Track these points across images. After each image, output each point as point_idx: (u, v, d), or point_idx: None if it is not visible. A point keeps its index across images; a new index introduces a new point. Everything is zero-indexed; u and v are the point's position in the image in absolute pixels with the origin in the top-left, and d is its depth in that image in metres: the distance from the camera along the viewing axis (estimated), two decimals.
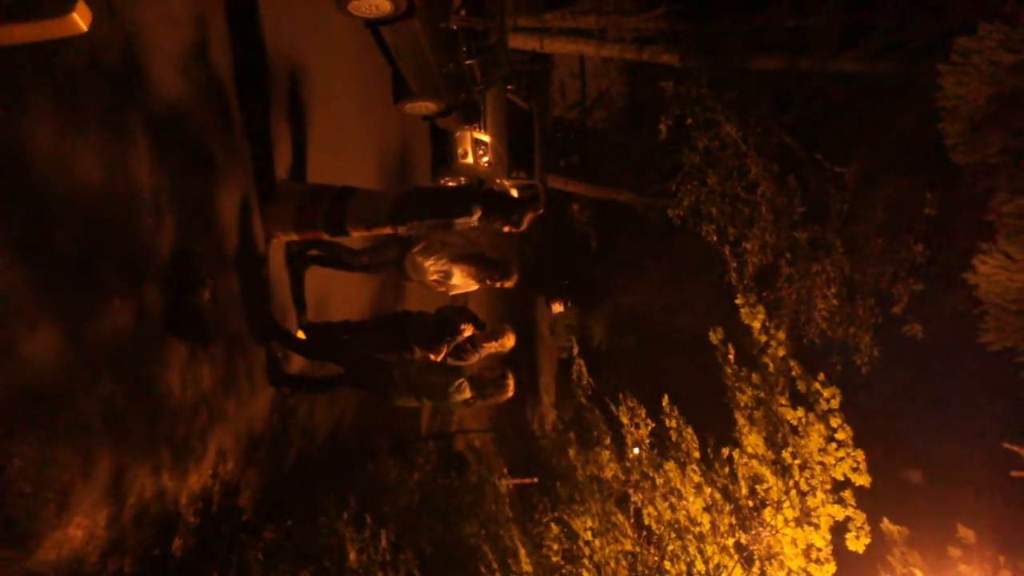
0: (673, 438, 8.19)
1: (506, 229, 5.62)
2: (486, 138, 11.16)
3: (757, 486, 7.08)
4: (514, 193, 12.66)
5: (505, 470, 12.21)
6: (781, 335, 6.92)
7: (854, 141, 11.82)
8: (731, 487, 7.58)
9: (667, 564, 6.59)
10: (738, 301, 7.31)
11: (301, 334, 6.20)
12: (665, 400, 8.45)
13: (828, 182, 11.42)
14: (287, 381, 6.01)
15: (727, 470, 7.93)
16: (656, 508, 9.54)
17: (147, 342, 3.98)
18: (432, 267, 6.10)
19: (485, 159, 11.29)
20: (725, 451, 8.49)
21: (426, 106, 9.58)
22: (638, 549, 7.05)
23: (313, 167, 6.48)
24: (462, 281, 6.13)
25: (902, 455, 11.43)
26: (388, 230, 5.40)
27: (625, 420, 9.19)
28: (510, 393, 5.83)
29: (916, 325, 11.60)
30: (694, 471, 7.74)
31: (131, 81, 3.85)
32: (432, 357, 5.93)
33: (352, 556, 5.06)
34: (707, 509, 7.49)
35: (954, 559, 8.97)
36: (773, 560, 6.50)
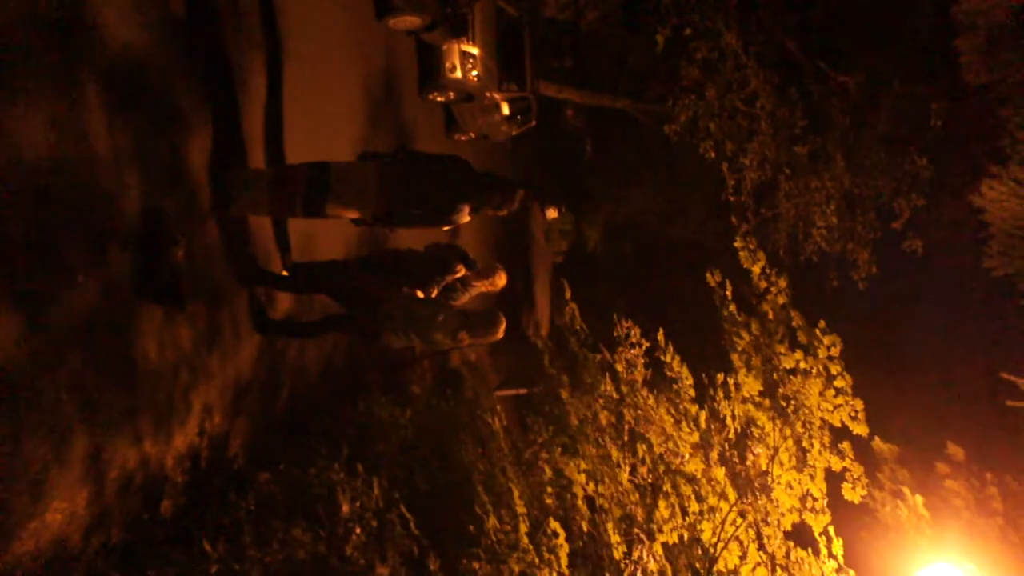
0: (668, 375, 8.12)
1: (500, 214, 5.30)
2: (475, 51, 10.62)
3: (753, 428, 7.06)
4: (505, 110, 12.18)
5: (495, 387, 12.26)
6: (783, 282, 6.72)
7: (859, 49, 11.28)
8: (728, 423, 7.56)
9: (661, 504, 6.63)
10: (737, 244, 7.07)
11: (284, 272, 6.00)
12: (660, 334, 8.33)
13: (831, 92, 10.96)
14: (273, 327, 5.85)
15: (722, 405, 7.90)
16: (650, 437, 9.57)
17: (118, 313, 3.79)
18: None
19: (474, 73, 10.78)
20: (720, 377, 8.46)
21: (411, 20, 9.05)
22: (631, 488, 7.08)
23: (291, 101, 6.11)
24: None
25: (896, 370, 11.50)
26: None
27: (619, 356, 9.11)
28: (500, 334, 5.69)
29: (916, 241, 11.42)
30: (687, 414, 7.71)
31: (77, 31, 3.50)
32: (421, 296, 5.75)
33: (345, 508, 5.03)
34: (700, 446, 7.51)
35: (941, 475, 9.13)
36: (767, 505, 6.53)
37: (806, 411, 6.54)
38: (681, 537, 6.53)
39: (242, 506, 4.65)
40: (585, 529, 6.03)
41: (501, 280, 6.07)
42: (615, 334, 11.36)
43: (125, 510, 4.02)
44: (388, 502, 5.51)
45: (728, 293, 7.36)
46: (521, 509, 5.77)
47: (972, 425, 9.07)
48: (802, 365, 6.63)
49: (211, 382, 4.99)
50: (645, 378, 10.67)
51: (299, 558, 4.70)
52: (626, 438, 10.31)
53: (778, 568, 6.85)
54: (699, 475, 7.60)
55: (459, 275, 5.84)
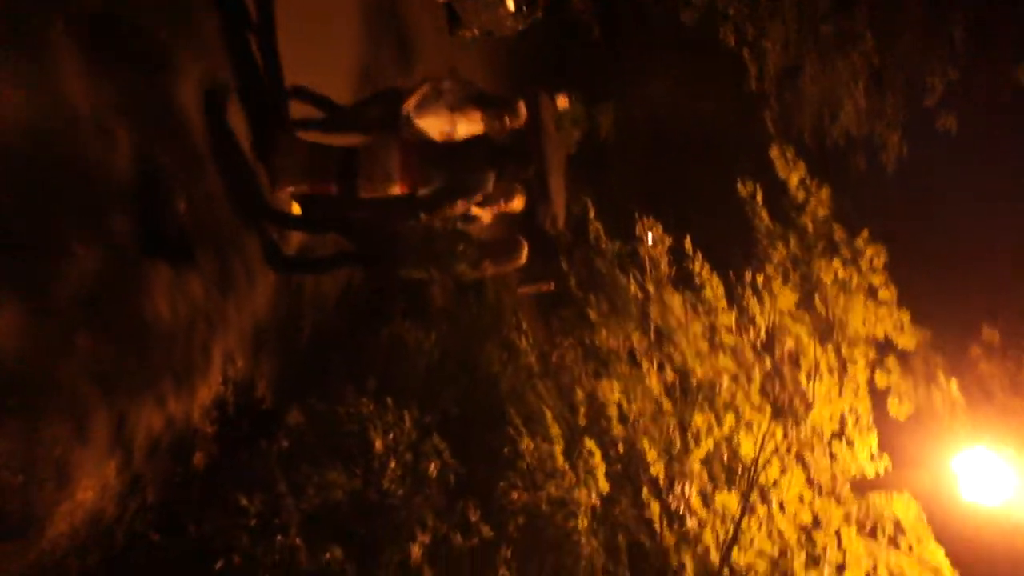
0: (696, 283, 7.90)
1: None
2: None
3: (788, 339, 6.85)
4: (510, 3, 11.48)
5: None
6: (824, 193, 6.34)
7: None
8: (759, 321, 7.36)
9: (697, 416, 6.52)
10: (772, 153, 6.66)
11: (297, 208, 5.78)
12: (687, 242, 8.07)
13: None
14: (288, 264, 5.68)
15: (751, 304, 7.69)
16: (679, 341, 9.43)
17: (123, 279, 3.61)
18: (433, 126, 5.56)
19: None
20: (748, 275, 8.24)
21: None
22: (663, 396, 6.99)
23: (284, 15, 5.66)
24: (469, 130, 5.65)
25: (928, 255, 11.11)
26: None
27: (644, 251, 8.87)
28: (523, 259, 5.49)
29: (950, 118, 10.79)
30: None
31: None
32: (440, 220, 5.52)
33: (378, 443, 4.99)
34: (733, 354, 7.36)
35: (975, 358, 8.99)
36: (807, 422, 6.41)
37: (847, 326, 6.33)
38: (719, 450, 6.45)
39: (273, 451, 4.60)
40: (621, 451, 5.98)
41: (519, 202, 5.81)
42: (636, 232, 11.09)
43: (158, 471, 3.98)
44: (421, 432, 5.47)
45: (759, 199, 7.02)
46: (555, 430, 5.72)
47: (1007, 309, 8.88)
48: (841, 275, 6.36)
49: (229, 328, 4.86)
50: (670, 275, 10.47)
51: (336, 499, 4.69)
52: (652, 337, 10.21)
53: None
54: (733, 385, 7.51)
55: (478, 200, 5.59)
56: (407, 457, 5.24)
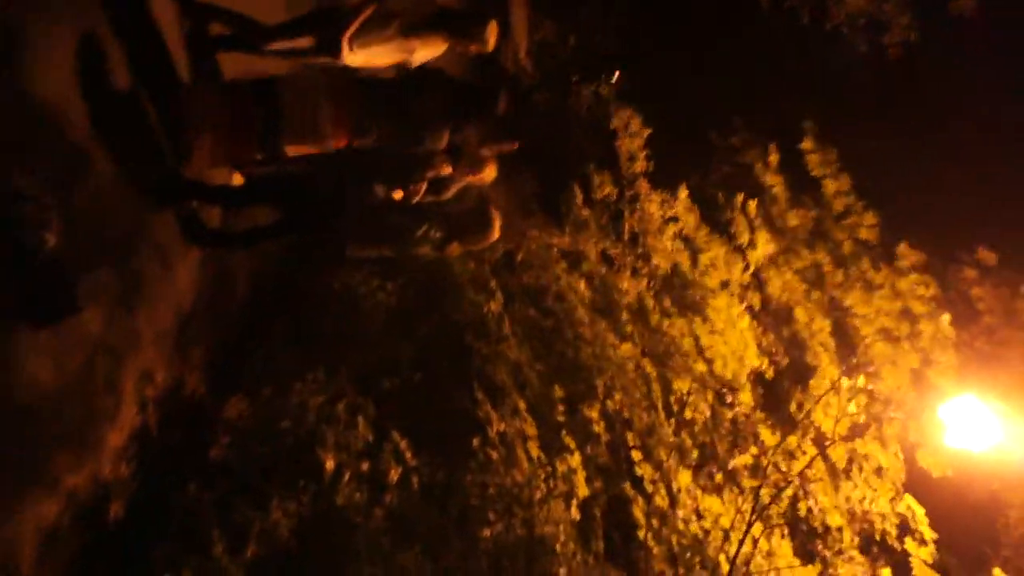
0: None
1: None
2: None
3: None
4: None
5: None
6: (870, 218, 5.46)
7: None
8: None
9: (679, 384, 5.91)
10: (806, 145, 5.63)
11: (238, 178, 4.77)
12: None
13: None
14: (211, 238, 4.74)
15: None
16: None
17: None
18: (382, 55, 4.44)
19: None
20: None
21: None
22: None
23: None
24: (427, 54, 4.53)
25: (931, 162, 10.21)
26: None
27: None
28: (496, 234, 4.63)
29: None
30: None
31: None
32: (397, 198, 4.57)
33: (329, 463, 4.33)
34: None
35: (968, 280, 8.49)
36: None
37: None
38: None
39: (205, 498, 3.94)
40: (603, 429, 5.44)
41: (491, 172, 4.84)
42: (612, 127, 10.26)
43: (58, 559, 3.30)
44: (377, 433, 4.84)
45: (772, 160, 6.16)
46: (522, 404, 5.09)
47: (1009, 230, 8.24)
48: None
49: (141, 345, 4.03)
50: (646, 170, 9.74)
51: (283, 539, 4.11)
52: (627, 238, 9.62)
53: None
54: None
55: (442, 172, 4.62)
56: (363, 467, 4.64)
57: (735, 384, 6.08)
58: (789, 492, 5.01)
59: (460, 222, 4.51)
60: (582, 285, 8.31)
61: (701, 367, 6.03)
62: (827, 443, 5.79)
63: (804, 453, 5.49)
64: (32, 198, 2.98)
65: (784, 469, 5.42)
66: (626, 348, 5.98)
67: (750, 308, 7.31)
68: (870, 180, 7.45)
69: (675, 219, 8.85)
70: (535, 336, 7.41)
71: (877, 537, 6.65)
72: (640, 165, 9.44)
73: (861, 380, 6.88)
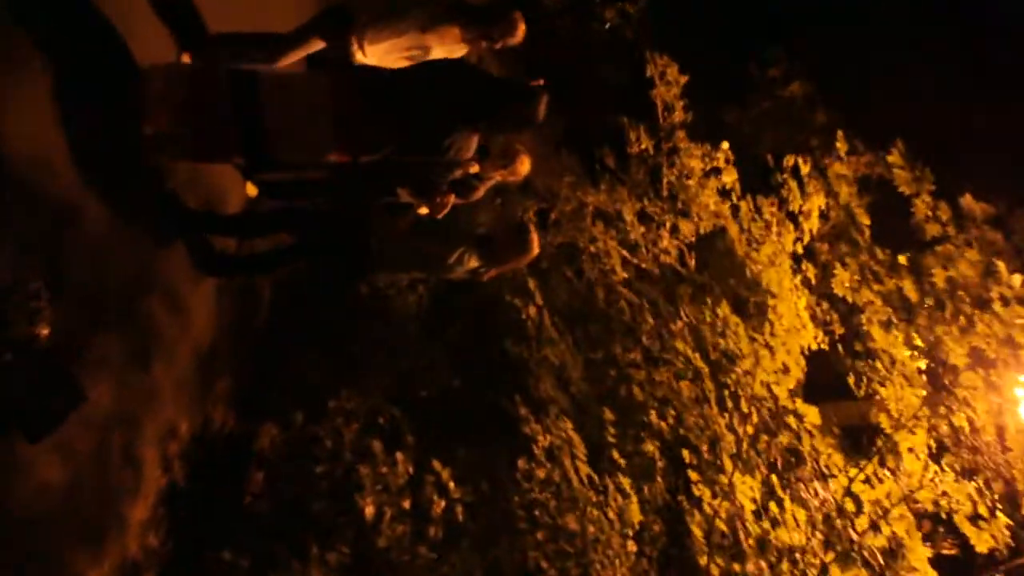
0: None
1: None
2: None
3: None
4: None
5: None
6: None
7: None
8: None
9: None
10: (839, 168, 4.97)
11: (252, 189, 4.37)
12: None
13: None
14: (229, 266, 4.40)
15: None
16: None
17: None
18: (396, 53, 3.94)
19: None
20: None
21: None
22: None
23: None
24: (446, 51, 4.02)
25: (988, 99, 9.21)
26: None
27: None
28: (535, 251, 4.19)
29: None
30: None
31: None
32: (426, 208, 4.11)
33: (369, 509, 4.06)
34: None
35: None
36: None
37: None
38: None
39: (241, 565, 3.70)
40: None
41: (524, 166, 4.38)
42: (648, 74, 9.55)
43: None
44: (417, 464, 4.55)
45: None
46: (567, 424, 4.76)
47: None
48: None
49: (160, 401, 3.75)
50: (685, 121, 9.15)
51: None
52: (665, 194, 9.14)
53: None
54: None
55: (471, 171, 4.17)
56: (404, 504, 4.37)
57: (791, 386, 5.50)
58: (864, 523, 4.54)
59: (496, 245, 4.06)
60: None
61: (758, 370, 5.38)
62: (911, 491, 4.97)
63: (881, 482, 4.95)
64: (14, 289, 2.64)
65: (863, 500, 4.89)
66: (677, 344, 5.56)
67: (806, 281, 6.79)
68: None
69: (717, 171, 8.23)
70: (574, 313, 7.07)
71: None
72: (678, 115, 8.85)
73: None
